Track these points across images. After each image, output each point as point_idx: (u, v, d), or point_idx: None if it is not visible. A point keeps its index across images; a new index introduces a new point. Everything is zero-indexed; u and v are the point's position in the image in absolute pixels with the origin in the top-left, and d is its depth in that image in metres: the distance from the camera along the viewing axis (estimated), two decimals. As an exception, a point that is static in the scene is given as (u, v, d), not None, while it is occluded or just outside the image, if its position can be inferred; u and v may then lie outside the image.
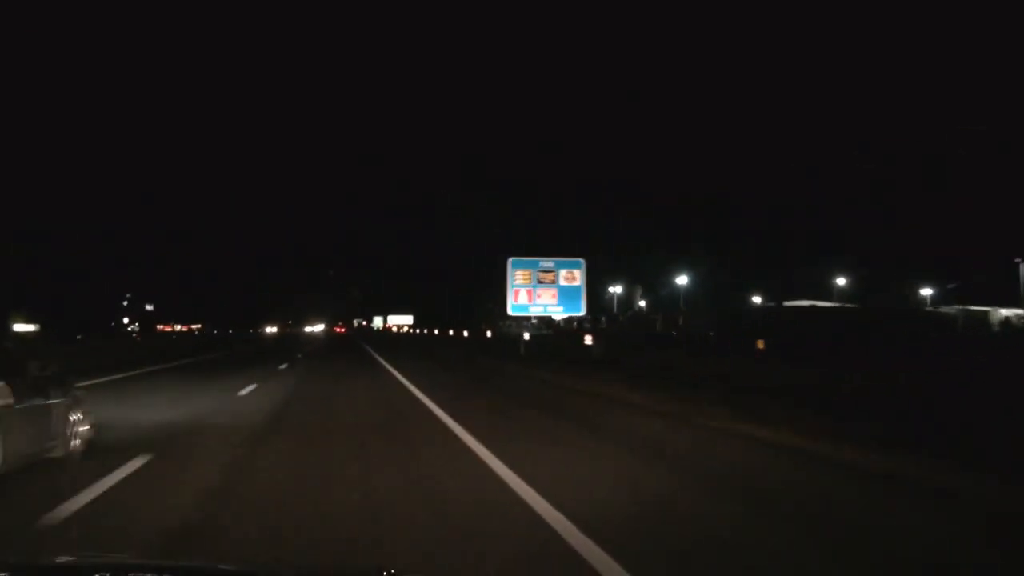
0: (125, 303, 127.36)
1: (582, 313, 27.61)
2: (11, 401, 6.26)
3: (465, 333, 61.31)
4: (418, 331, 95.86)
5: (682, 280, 70.87)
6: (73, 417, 7.53)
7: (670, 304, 70.02)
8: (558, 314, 27.45)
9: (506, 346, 43.29)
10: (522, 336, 28.23)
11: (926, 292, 67.24)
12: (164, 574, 2.58)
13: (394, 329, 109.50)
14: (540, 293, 27.01)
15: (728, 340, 33.75)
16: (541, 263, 27.17)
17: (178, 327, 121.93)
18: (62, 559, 2.85)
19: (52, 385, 7.29)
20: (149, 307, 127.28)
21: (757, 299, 73.26)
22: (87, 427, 7.82)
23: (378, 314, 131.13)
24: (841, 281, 71.67)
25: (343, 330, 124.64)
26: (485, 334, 55.43)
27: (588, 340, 31.26)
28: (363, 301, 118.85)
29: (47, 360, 7.64)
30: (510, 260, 26.98)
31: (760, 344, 30.18)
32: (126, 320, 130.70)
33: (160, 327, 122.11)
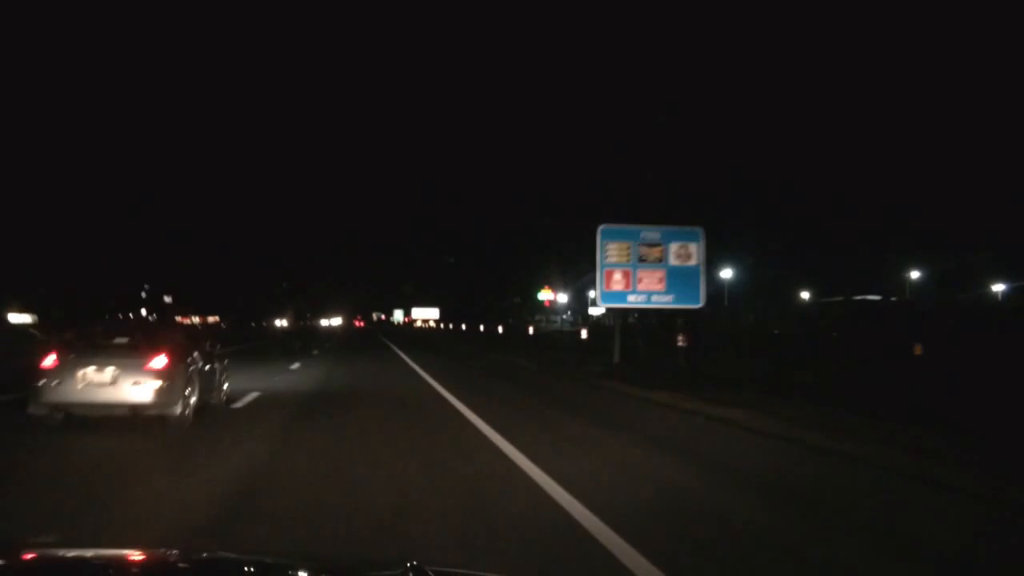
0: (143, 294, 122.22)
1: (700, 305, 20.33)
2: (201, 364, 10.00)
3: (500, 329, 54.31)
4: (442, 326, 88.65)
5: (727, 274, 63.76)
6: (223, 378, 11.54)
7: (711, 300, 62.77)
8: (666, 305, 20.17)
9: (553, 345, 36.19)
10: (616, 335, 20.85)
11: (998, 288, 59.93)
12: (182, 563, 2.56)
13: (419, 323, 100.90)
14: (642, 276, 19.72)
15: (863, 343, 26.64)
16: (644, 233, 19.85)
17: (195, 319, 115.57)
18: (78, 552, 2.69)
19: (214, 355, 11.07)
20: (168, 299, 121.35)
21: (804, 295, 66.13)
22: (227, 385, 11.85)
23: (397, 307, 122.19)
24: (915, 274, 64.19)
25: (362, 324, 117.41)
26: (528, 330, 48.31)
27: (681, 342, 23.99)
28: (411, 293, 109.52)
29: (214, 339, 12.11)
30: (600, 229, 19.75)
31: (917, 349, 23.95)
32: (143, 311, 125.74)
33: (179, 319, 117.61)
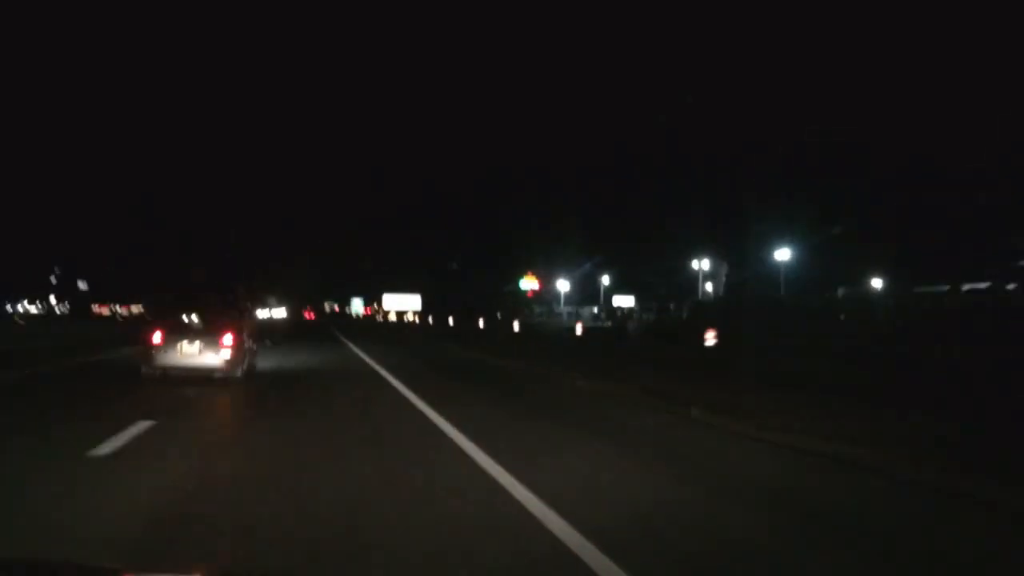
0: (53, 279, 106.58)
1: None
2: (248, 343, 14.71)
3: (515, 325, 42.07)
4: (418, 320, 75.24)
5: (783, 255, 53.11)
6: (256, 353, 16.52)
7: (763, 285, 52.23)
8: None
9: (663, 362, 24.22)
10: None
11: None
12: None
13: (392, 316, 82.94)
14: None
15: None
16: None
17: (119, 309, 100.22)
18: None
19: (253, 337, 16.01)
20: (83, 285, 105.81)
21: (877, 282, 55.83)
22: (257, 358, 16.54)
23: (357, 294, 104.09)
24: None
25: (312, 316, 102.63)
26: (576, 328, 36.14)
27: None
28: (378, 275, 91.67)
29: (252, 326, 17.38)
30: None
31: None
32: (53, 299, 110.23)
33: (97, 308, 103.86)
